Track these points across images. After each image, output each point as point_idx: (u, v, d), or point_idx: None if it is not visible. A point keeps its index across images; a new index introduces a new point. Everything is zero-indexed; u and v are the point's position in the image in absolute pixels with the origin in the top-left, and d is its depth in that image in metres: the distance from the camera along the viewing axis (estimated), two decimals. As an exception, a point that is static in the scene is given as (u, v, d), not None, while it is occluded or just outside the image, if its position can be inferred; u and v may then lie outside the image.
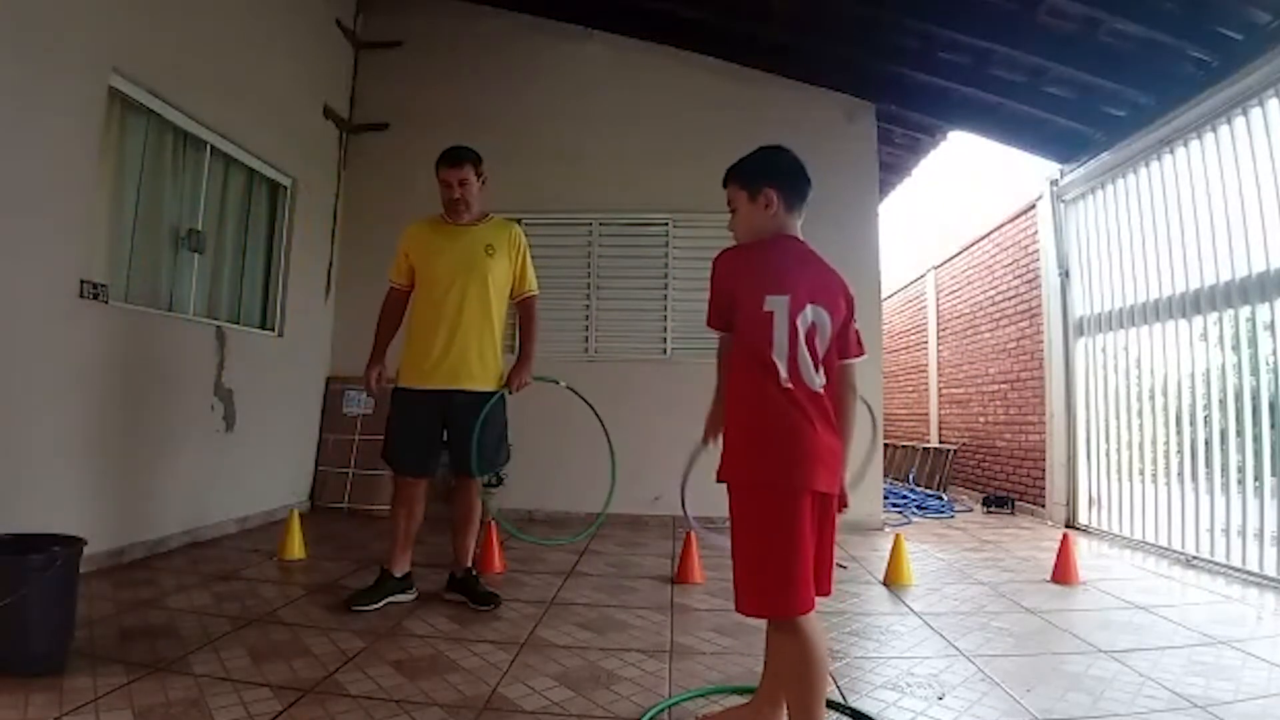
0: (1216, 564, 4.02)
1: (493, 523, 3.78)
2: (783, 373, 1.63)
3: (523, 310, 3.22)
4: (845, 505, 1.75)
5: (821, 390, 1.67)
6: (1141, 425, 4.92)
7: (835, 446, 1.67)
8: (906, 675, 2.29)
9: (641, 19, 5.51)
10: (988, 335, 7.22)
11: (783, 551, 1.58)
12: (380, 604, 2.86)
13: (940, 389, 8.50)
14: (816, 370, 1.66)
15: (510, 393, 3.05)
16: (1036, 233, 6.13)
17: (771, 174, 1.78)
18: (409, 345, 3.02)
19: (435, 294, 2.96)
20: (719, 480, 1.71)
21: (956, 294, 8.09)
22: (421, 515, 3.06)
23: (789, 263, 1.72)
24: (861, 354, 1.79)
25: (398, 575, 2.97)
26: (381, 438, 3.09)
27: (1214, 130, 4.22)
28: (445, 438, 3.02)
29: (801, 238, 1.79)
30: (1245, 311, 4.02)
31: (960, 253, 7.96)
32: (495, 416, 3.00)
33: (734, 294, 1.71)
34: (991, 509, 6.40)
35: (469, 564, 3.06)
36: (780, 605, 1.60)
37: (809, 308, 1.67)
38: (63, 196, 3.06)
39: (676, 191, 5.49)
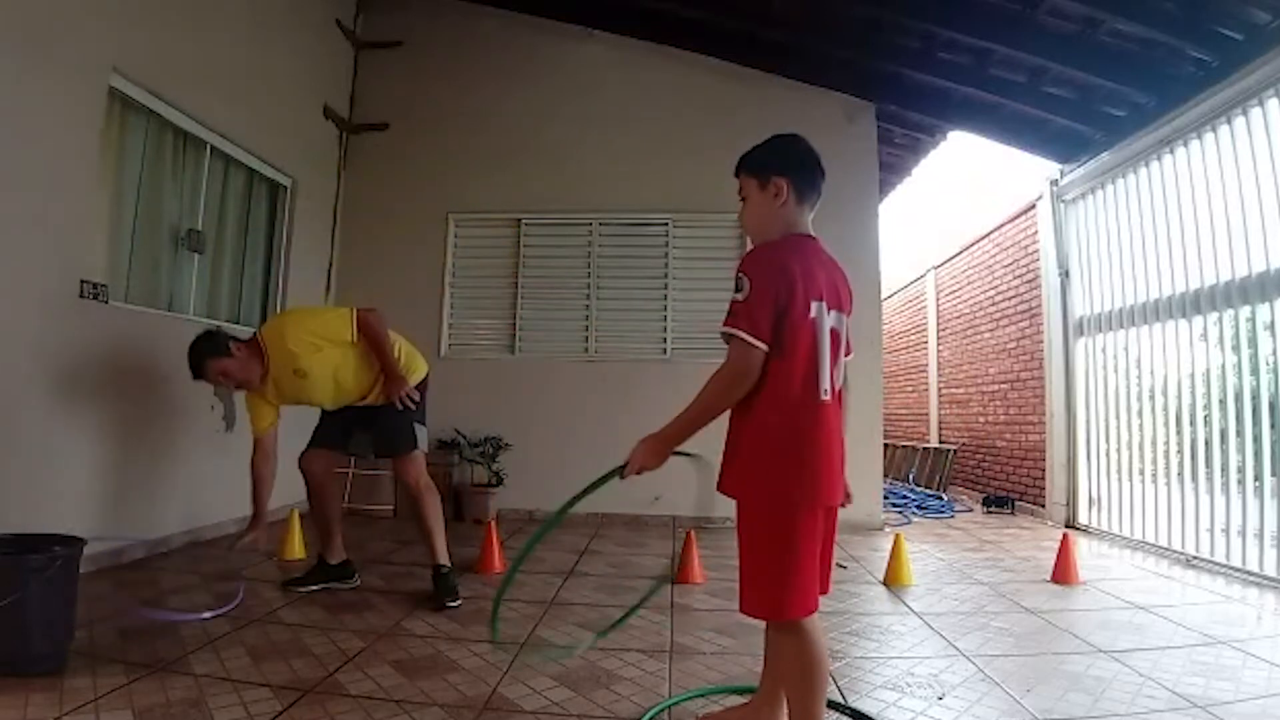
0: (1216, 564, 4.02)
1: (493, 522, 3.79)
2: (825, 383, 1.61)
3: (362, 335, 2.96)
4: (849, 500, 1.75)
5: (837, 397, 1.68)
6: (1141, 425, 4.92)
7: (844, 452, 1.69)
8: (906, 675, 2.29)
9: (641, 19, 5.52)
10: (988, 335, 7.22)
11: (793, 560, 1.57)
12: (315, 587, 3.06)
13: (940, 389, 8.50)
14: (836, 375, 1.67)
15: (400, 408, 3.02)
16: (1036, 233, 6.13)
17: (783, 163, 1.72)
18: None
19: (308, 403, 3.13)
20: (729, 494, 1.65)
21: (956, 294, 8.09)
22: (334, 504, 3.23)
23: (815, 265, 1.67)
24: (850, 354, 1.78)
25: (331, 563, 3.16)
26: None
27: (1214, 130, 4.22)
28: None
29: (815, 235, 1.75)
30: (1245, 311, 4.01)
31: (960, 253, 7.96)
32: (389, 413, 3.07)
33: (787, 298, 1.57)
34: (991, 509, 6.40)
35: (435, 560, 3.04)
36: (785, 608, 1.59)
37: (832, 313, 1.66)
38: (63, 196, 3.06)
39: (676, 191, 5.50)
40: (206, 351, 2.82)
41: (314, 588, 3.06)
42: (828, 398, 1.61)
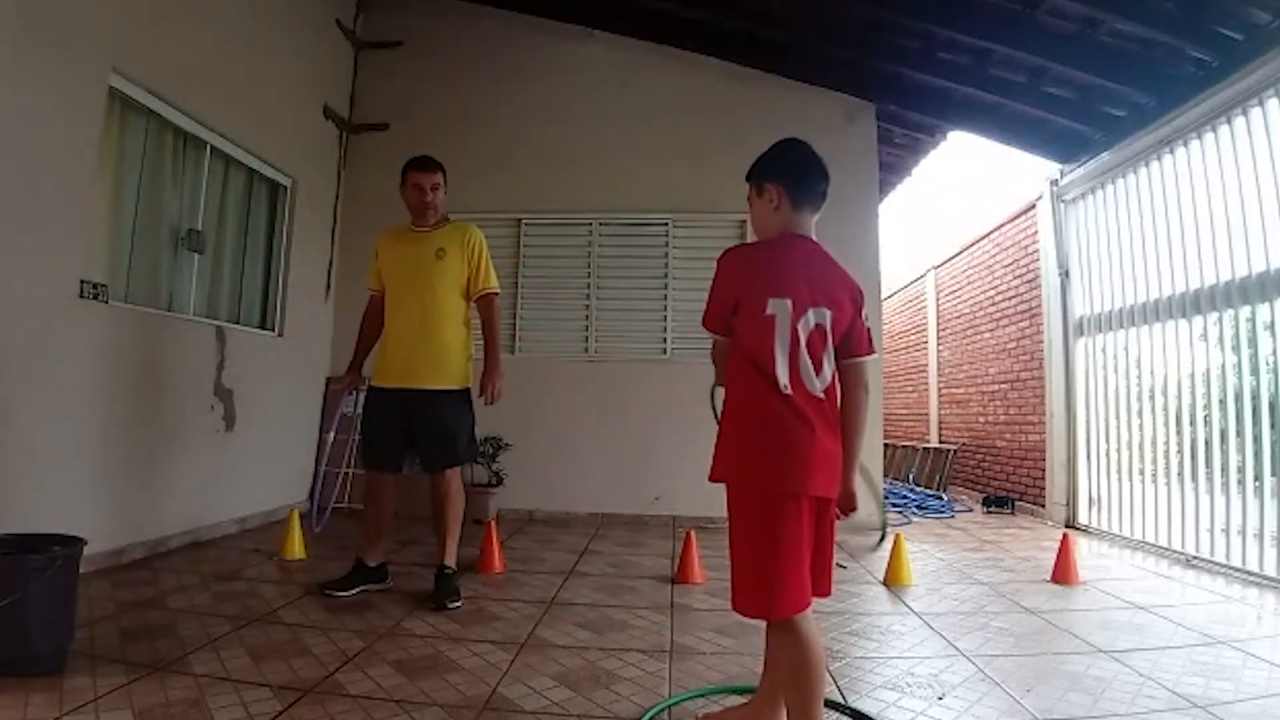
0: (1216, 564, 4.02)
1: (493, 522, 3.78)
2: (783, 378, 1.60)
3: (481, 309, 3.23)
4: (853, 509, 1.74)
5: (824, 394, 1.65)
6: (1141, 425, 4.91)
7: (834, 450, 1.66)
8: (906, 675, 2.29)
9: (641, 19, 5.52)
10: (988, 335, 7.22)
11: (776, 554, 1.57)
12: (354, 591, 3.00)
13: (940, 389, 8.50)
14: (818, 374, 1.64)
15: (487, 403, 3.12)
16: (1036, 233, 6.13)
17: (778, 170, 1.75)
18: (381, 346, 3.19)
19: (394, 298, 3.15)
20: (712, 480, 1.70)
21: (956, 294, 8.09)
22: (390, 509, 3.17)
23: (793, 263, 1.69)
24: (871, 353, 1.77)
25: (370, 565, 3.10)
26: None
27: (1214, 130, 4.22)
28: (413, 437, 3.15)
29: (812, 236, 1.77)
30: (1245, 311, 4.01)
31: (960, 253, 7.96)
32: (450, 412, 3.07)
33: (739, 296, 1.68)
34: (991, 509, 6.40)
35: (443, 560, 3.07)
36: (772, 606, 1.60)
37: (811, 310, 1.65)
38: (63, 196, 3.06)
39: (676, 191, 5.50)
40: (441, 167, 3.16)
41: (354, 591, 3.01)
42: (788, 391, 1.60)
